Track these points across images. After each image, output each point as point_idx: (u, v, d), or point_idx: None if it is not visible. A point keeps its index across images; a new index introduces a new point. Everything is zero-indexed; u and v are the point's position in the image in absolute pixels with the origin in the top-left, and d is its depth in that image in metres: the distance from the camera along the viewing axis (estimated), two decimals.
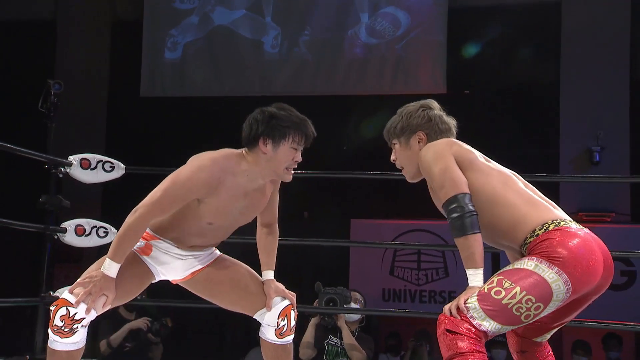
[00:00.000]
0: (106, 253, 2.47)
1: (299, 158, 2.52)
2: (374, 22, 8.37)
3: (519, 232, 2.35)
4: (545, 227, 2.32)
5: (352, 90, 8.41)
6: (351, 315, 4.36)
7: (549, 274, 2.23)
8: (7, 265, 7.53)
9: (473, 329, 2.21)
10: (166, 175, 2.54)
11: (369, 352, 4.33)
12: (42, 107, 4.30)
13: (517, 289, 2.22)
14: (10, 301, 4.41)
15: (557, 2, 8.38)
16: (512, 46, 8.26)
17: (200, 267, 2.67)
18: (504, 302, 2.21)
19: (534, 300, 2.22)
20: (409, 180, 2.62)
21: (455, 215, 2.30)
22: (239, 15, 8.69)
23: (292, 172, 2.55)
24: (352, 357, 4.28)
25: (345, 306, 4.21)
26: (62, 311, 2.36)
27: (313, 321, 4.43)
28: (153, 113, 8.59)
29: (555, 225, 2.32)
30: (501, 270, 2.32)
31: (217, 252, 2.74)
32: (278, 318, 2.64)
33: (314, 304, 4.35)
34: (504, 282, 2.24)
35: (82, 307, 2.36)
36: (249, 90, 8.35)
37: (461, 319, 2.22)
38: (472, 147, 2.53)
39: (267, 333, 2.67)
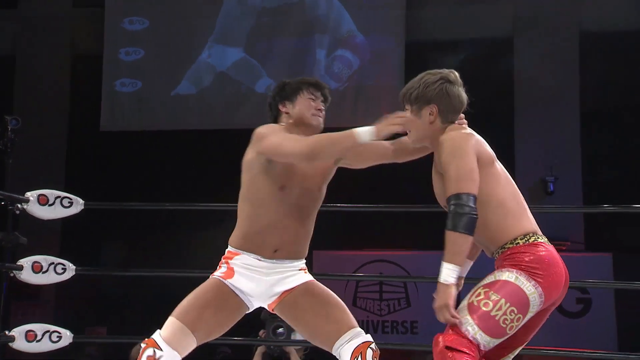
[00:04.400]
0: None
1: (320, 106, 2.67)
2: (331, 63, 8.48)
3: (501, 237, 2.42)
4: (526, 239, 2.40)
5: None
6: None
7: (528, 286, 2.30)
8: None
9: (473, 347, 2.25)
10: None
11: None
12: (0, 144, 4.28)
13: (503, 300, 2.28)
14: None
15: (509, 37, 8.57)
16: (467, 79, 8.39)
17: (286, 288, 2.59)
18: (492, 313, 2.27)
19: (515, 311, 2.29)
20: (411, 144, 2.64)
21: (460, 210, 2.31)
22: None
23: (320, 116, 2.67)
24: None
25: (292, 336, 4.19)
26: (149, 352, 2.39)
27: (259, 350, 4.41)
28: (113, 147, 8.54)
29: (535, 240, 2.40)
30: (484, 282, 2.37)
31: (308, 276, 2.68)
32: (351, 356, 2.48)
33: (260, 332, 4.32)
34: (490, 294, 2.30)
35: (168, 350, 2.39)
36: (211, 123, 8.36)
37: (458, 336, 2.27)
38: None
39: None
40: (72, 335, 4.20)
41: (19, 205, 4.16)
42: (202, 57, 8.68)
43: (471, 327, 2.26)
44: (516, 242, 2.39)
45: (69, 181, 8.19)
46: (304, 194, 2.59)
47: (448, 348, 2.25)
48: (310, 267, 8.11)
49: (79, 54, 9.29)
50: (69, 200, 4.21)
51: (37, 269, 4.15)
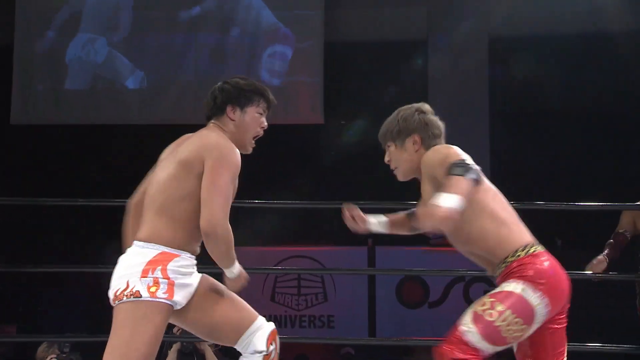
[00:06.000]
0: None
1: (265, 124, 2.52)
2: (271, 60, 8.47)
3: (501, 250, 2.44)
4: (526, 250, 2.43)
5: None
6: None
7: (534, 297, 2.33)
8: None
9: (476, 352, 2.30)
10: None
11: None
12: None
13: (508, 311, 2.31)
14: None
15: (423, 41, 8.70)
16: (384, 80, 8.50)
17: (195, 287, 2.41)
18: (496, 324, 2.30)
19: (521, 322, 2.32)
20: (400, 179, 2.66)
21: (461, 167, 2.37)
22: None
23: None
24: None
25: None
26: None
27: (174, 347, 4.40)
28: (24, 142, 8.26)
29: (534, 250, 2.44)
30: (491, 292, 2.41)
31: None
32: (266, 344, 2.41)
33: (174, 330, 4.18)
34: (495, 304, 2.33)
35: None
36: (125, 119, 8.19)
37: (462, 344, 2.30)
38: None
39: None
40: None
41: None
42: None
43: (473, 337, 2.30)
44: (517, 254, 2.41)
45: None
46: None
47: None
48: None
49: None
50: None
51: None
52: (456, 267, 7.34)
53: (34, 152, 8.26)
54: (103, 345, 2.24)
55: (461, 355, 2.28)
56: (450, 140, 2.59)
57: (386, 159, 2.66)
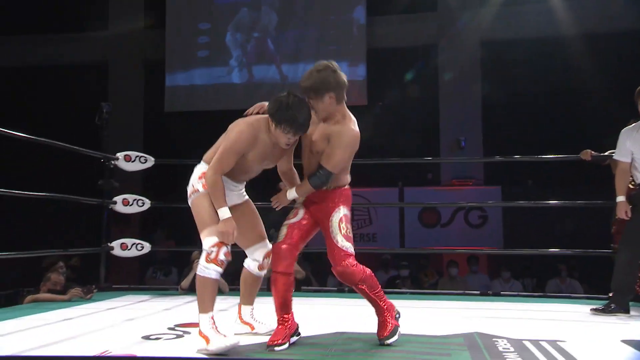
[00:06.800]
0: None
1: (290, 141, 2.21)
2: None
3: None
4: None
5: None
6: None
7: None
8: (79, 228, 7.40)
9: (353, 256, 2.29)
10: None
11: (307, 272, 4.29)
12: (98, 121, 4.25)
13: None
14: (82, 250, 4.37)
15: (434, 44, 8.48)
16: (410, 76, 8.38)
17: (239, 202, 2.40)
18: (349, 233, 2.31)
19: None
20: (318, 119, 2.29)
21: (324, 179, 2.26)
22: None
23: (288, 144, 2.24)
24: (295, 276, 4.26)
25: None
26: (224, 249, 2.14)
27: None
28: (174, 124, 8.48)
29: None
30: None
31: (246, 196, 2.45)
32: (262, 257, 2.41)
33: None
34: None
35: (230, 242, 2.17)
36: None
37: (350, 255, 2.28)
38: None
39: (250, 266, 2.44)
40: (151, 246, 4.22)
41: (112, 162, 4.17)
42: None
43: (350, 248, 2.28)
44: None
45: (146, 145, 8.12)
46: (264, 167, 2.38)
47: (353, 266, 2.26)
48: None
49: (148, 59, 9.14)
50: (144, 158, 4.19)
51: (125, 203, 4.18)
52: (459, 200, 7.35)
53: (186, 131, 7.98)
54: None
55: (354, 261, 2.26)
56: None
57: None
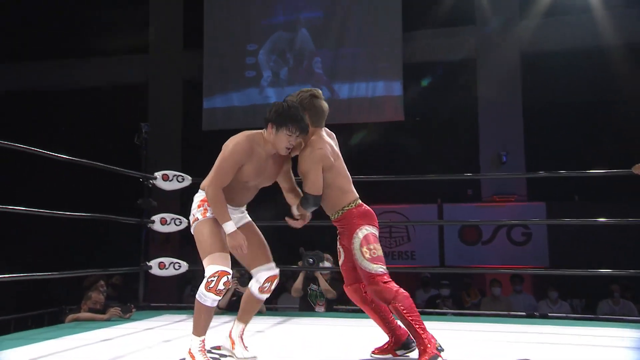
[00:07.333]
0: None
1: (293, 142, 2.27)
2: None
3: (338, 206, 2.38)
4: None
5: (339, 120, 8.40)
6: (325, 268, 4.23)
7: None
8: (118, 246, 7.56)
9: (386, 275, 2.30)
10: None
11: (338, 292, 4.24)
12: (137, 141, 4.31)
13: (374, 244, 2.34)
14: (122, 270, 4.43)
15: (473, 59, 8.37)
16: (442, 89, 8.27)
17: (241, 224, 2.40)
18: (377, 254, 2.32)
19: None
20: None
21: (311, 202, 2.32)
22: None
23: (289, 150, 2.31)
24: (327, 296, 4.21)
25: (320, 264, 4.12)
26: (224, 279, 2.17)
27: (301, 274, 4.33)
28: (212, 143, 8.57)
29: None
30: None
31: (248, 217, 2.46)
32: (264, 280, 2.36)
33: (299, 263, 4.22)
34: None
35: (230, 271, 2.19)
36: None
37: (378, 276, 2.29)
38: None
39: (253, 287, 2.40)
40: (188, 265, 4.20)
41: (151, 181, 4.20)
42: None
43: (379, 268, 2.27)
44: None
45: (184, 165, 8.28)
46: (262, 184, 2.40)
47: (385, 282, 2.25)
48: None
49: (186, 79, 9.34)
50: (182, 177, 4.20)
51: (163, 222, 4.19)
52: (501, 217, 7.14)
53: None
54: None
55: (387, 278, 2.25)
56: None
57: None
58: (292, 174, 2.47)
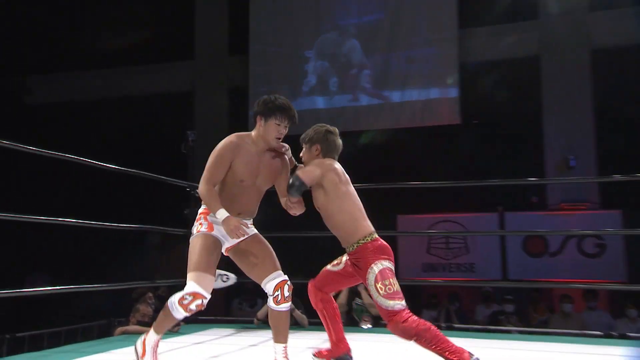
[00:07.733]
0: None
1: (283, 131, 2.41)
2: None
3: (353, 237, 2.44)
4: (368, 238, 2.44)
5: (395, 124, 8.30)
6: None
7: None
8: (167, 256, 7.72)
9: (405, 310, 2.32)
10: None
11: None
12: (183, 150, 4.37)
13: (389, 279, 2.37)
14: (169, 282, 4.50)
15: (536, 55, 8.08)
16: (505, 86, 8.04)
17: (246, 236, 2.41)
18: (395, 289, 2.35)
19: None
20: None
21: (297, 187, 2.38)
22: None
23: (281, 140, 2.42)
24: (371, 312, 4.17)
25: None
26: (198, 302, 2.26)
27: (346, 289, 4.28)
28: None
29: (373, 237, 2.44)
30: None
31: (254, 230, 2.50)
32: (273, 290, 2.36)
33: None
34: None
35: (207, 295, 2.27)
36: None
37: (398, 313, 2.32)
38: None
39: (269, 300, 2.41)
40: (236, 277, 4.24)
41: (197, 191, 4.26)
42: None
43: (396, 304, 2.29)
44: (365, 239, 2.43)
45: None
46: (260, 185, 2.44)
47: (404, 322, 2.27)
48: (394, 228, 7.92)
49: (235, 85, 9.50)
50: None
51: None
52: (570, 227, 6.81)
53: None
54: None
55: (405, 315, 2.26)
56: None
57: (301, 154, 2.58)
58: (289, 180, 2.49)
